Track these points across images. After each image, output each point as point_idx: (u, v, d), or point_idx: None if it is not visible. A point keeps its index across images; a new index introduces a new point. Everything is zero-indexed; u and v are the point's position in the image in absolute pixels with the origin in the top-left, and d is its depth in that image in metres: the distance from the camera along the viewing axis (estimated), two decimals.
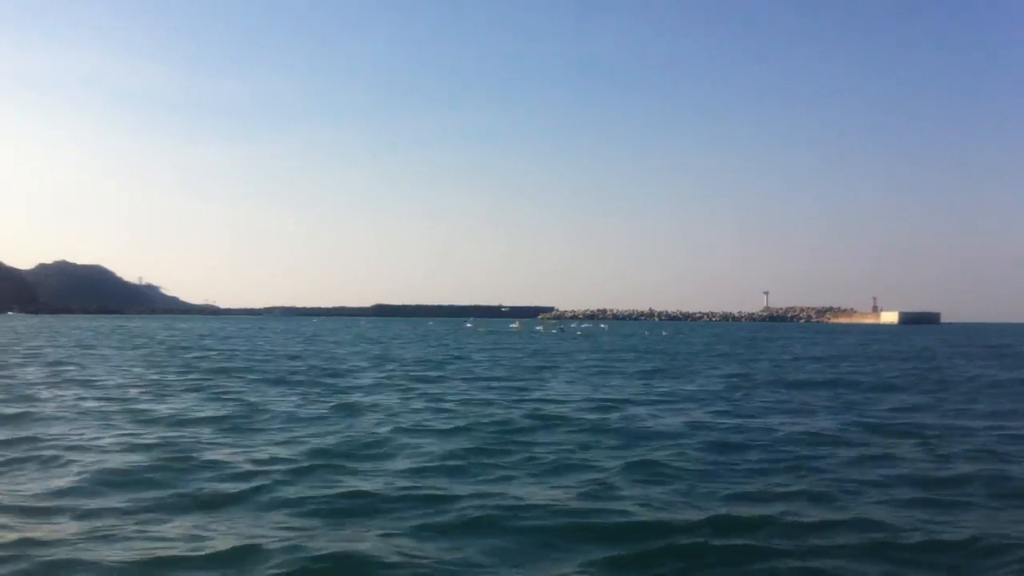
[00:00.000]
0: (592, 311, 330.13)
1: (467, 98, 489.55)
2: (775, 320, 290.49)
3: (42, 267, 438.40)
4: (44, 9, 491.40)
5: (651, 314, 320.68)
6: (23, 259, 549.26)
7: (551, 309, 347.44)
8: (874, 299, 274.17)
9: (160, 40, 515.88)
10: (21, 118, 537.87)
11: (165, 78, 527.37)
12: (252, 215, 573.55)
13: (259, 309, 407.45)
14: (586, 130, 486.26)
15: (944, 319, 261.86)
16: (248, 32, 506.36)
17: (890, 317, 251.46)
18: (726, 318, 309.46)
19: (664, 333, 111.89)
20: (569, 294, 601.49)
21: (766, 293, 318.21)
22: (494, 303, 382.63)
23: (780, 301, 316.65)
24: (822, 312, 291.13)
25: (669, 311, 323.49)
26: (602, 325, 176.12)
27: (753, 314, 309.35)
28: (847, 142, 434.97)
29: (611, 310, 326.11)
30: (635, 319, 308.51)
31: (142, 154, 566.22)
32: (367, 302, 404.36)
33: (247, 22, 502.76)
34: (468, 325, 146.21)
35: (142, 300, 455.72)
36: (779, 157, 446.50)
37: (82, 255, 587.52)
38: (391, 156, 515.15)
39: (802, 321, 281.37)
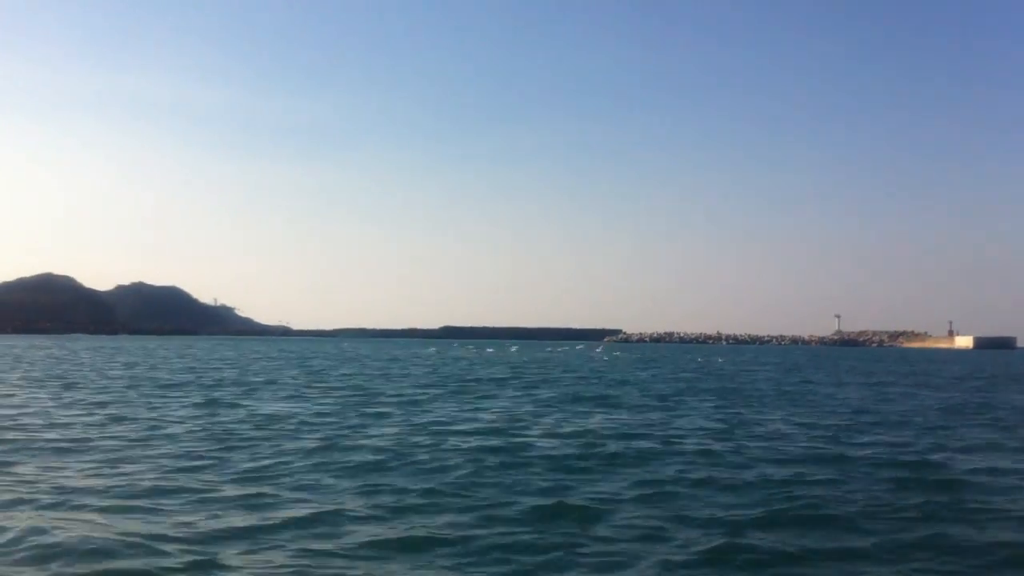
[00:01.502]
0: (659, 333, 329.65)
1: (541, 116, 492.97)
2: (846, 344, 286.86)
3: (120, 288, 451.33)
4: (118, 33, 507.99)
5: (719, 337, 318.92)
6: (102, 281, 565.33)
7: (618, 332, 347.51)
8: (950, 323, 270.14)
9: (232, 63, 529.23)
10: (99, 142, 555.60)
11: (239, 100, 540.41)
12: (324, 237, 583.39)
13: (329, 331, 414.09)
14: (653, 151, 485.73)
15: (1021, 343, 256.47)
16: (321, 53, 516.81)
17: (964, 342, 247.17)
18: (795, 342, 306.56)
19: (721, 360, 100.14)
20: (636, 316, 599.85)
21: (838, 316, 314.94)
22: (562, 325, 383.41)
23: (852, 325, 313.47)
24: (895, 336, 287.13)
25: (737, 334, 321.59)
26: (615, 353, 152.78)
27: (824, 338, 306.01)
28: (923, 163, 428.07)
29: (678, 333, 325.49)
30: (702, 342, 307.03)
31: (217, 176, 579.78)
32: (436, 324, 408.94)
33: (322, 43, 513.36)
34: (488, 350, 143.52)
35: (216, 321, 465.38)
36: (852, 179, 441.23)
37: (159, 277, 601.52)
38: (461, 176, 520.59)
39: (874, 346, 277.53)
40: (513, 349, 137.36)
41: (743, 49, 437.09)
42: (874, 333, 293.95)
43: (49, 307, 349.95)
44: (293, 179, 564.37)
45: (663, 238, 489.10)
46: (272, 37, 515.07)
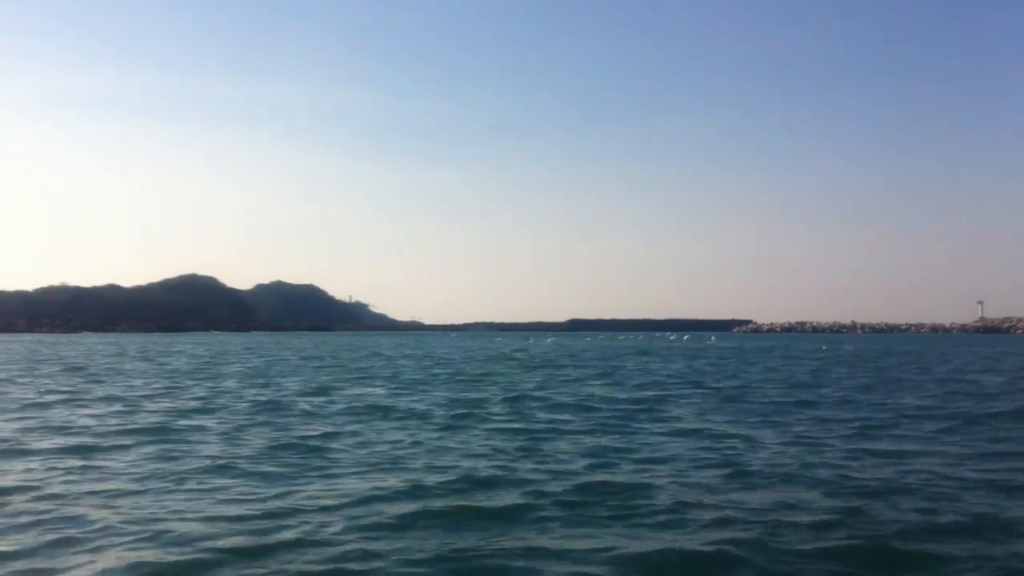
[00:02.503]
0: (791, 323, 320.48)
1: (669, 110, 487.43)
2: (990, 332, 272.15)
3: (260, 287, 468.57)
4: (256, 40, 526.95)
5: (853, 326, 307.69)
6: (244, 280, 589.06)
7: (748, 322, 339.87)
8: None
9: (361, 67, 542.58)
10: (238, 147, 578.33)
11: (375, 102, 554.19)
12: (454, 233, 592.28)
13: (459, 325, 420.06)
14: (782, 138, 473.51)
15: None
16: (455, 53, 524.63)
17: None
18: (935, 330, 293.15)
19: (824, 348, 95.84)
20: (767, 306, 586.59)
21: (980, 303, 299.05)
22: (690, 317, 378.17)
23: (997, 311, 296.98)
24: None
25: (873, 323, 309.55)
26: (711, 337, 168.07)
27: (965, 325, 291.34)
28: None
29: (811, 322, 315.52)
30: (836, 331, 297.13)
31: (353, 176, 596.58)
32: (563, 317, 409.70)
33: (455, 44, 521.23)
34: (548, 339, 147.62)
35: (352, 317, 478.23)
36: (992, 157, 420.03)
37: (297, 275, 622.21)
38: (588, 171, 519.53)
39: (1019, 332, 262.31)
40: (549, 340, 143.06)
41: (866, 31, 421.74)
42: (1020, 319, 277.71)
43: (193, 306, 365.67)
44: (425, 178, 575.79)
45: (795, 225, 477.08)
46: (406, 40, 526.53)
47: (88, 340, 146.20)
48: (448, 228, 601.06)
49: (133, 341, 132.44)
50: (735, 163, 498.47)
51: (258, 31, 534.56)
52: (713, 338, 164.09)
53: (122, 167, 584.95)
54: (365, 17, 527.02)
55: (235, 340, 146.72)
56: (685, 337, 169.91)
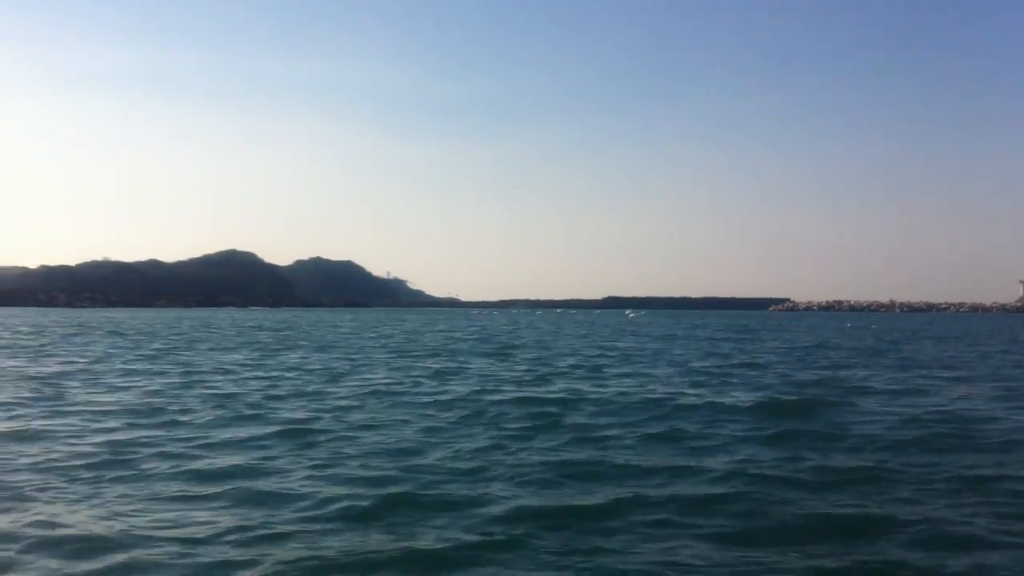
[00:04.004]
0: (829, 302, 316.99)
1: (706, 90, 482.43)
2: None
3: (299, 263, 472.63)
4: (302, 19, 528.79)
5: (892, 305, 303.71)
6: (282, 256, 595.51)
7: (785, 300, 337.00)
8: None
9: (401, 45, 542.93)
10: (281, 124, 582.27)
11: (416, 81, 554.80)
12: (491, 211, 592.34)
13: (495, 302, 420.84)
14: (820, 115, 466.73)
15: None
16: (489, 35, 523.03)
17: None
18: (975, 309, 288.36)
19: (874, 327, 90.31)
20: (806, 284, 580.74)
21: (1022, 282, 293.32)
22: (725, 295, 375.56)
23: None
24: None
25: (912, 301, 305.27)
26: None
27: (1006, 305, 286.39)
28: None
29: (848, 301, 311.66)
30: (873, 310, 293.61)
31: (392, 154, 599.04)
32: (600, 294, 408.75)
33: (488, 26, 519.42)
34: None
35: (389, 294, 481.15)
36: None
37: (336, 252, 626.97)
38: (626, 150, 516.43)
39: None
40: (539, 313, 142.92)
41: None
42: None
43: (232, 281, 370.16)
44: (463, 156, 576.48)
45: (835, 204, 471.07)
46: (446, 19, 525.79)
47: (183, 314, 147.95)
48: (485, 206, 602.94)
49: (211, 318, 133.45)
50: (779, 144, 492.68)
51: (300, 9, 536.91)
52: (630, 313, 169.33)
53: (164, 144, 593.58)
54: None
55: (308, 316, 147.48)
56: (642, 313, 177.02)
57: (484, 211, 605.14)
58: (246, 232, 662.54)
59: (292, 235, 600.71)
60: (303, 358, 33.75)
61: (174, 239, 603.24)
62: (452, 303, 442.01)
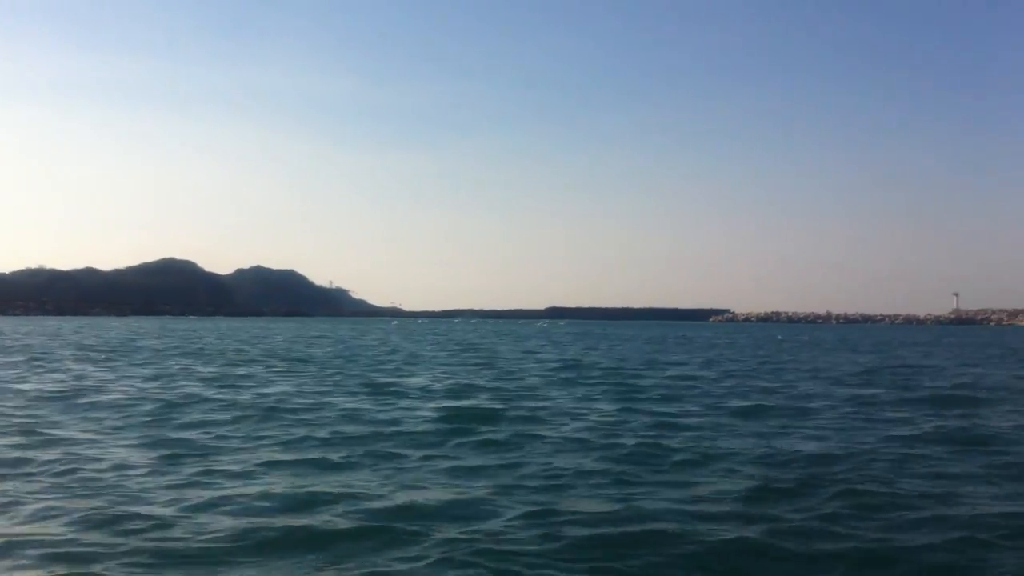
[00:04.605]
0: (767, 313, 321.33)
1: (647, 98, 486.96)
2: (963, 323, 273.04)
3: (240, 272, 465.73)
4: (239, 27, 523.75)
5: (828, 316, 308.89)
6: (223, 264, 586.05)
7: (725, 311, 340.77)
8: None
9: (342, 53, 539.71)
10: (220, 132, 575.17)
11: (356, 90, 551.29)
12: (434, 220, 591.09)
13: (439, 312, 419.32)
14: (759, 127, 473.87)
15: None
16: (431, 43, 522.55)
17: None
18: (909, 321, 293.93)
19: (780, 337, 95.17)
20: (747, 295, 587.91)
21: (956, 295, 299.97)
22: (668, 306, 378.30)
23: (973, 303, 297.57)
24: (1015, 315, 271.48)
25: (848, 313, 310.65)
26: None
27: (939, 317, 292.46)
28: None
29: (786, 312, 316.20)
30: (810, 321, 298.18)
31: (335, 162, 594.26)
32: (543, 304, 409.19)
33: (430, 34, 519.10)
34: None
35: (331, 303, 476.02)
36: (969, 150, 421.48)
37: (278, 261, 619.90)
38: (569, 159, 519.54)
39: (992, 324, 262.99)
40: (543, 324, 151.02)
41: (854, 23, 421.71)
42: (993, 312, 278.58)
43: (171, 290, 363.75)
44: (406, 164, 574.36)
45: (776, 217, 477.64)
46: (388, 27, 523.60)
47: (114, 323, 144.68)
48: (428, 215, 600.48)
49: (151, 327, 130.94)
50: (718, 154, 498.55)
51: (239, 17, 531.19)
52: (544, 323, 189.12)
53: (103, 151, 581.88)
54: (347, 2, 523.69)
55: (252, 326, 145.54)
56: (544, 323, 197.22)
57: (427, 220, 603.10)
58: (186, 240, 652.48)
59: (233, 243, 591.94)
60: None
61: (111, 247, 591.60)
62: (395, 313, 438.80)
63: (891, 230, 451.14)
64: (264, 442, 14.66)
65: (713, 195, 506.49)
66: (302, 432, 15.65)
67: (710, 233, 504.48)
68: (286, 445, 14.37)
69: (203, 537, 8.57)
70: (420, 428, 16.46)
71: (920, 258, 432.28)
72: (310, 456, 13.24)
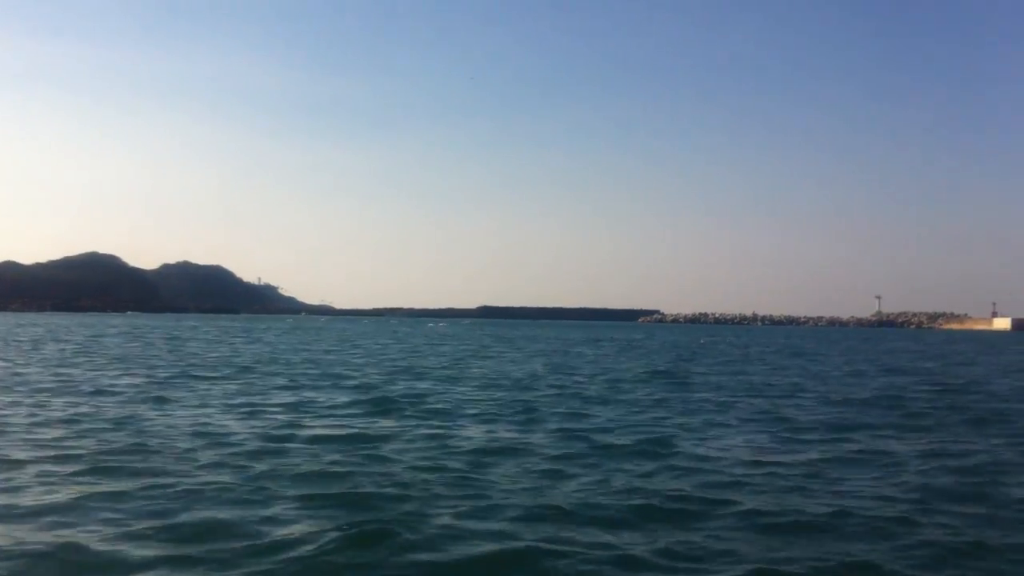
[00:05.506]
0: (695, 314, 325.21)
1: (580, 98, 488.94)
2: (884, 326, 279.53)
3: (165, 267, 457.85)
4: (173, 15, 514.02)
5: (754, 318, 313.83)
6: (148, 259, 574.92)
7: (655, 312, 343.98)
8: (993, 304, 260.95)
9: (268, 44, 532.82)
10: (148, 123, 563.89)
11: (276, 81, 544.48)
12: (366, 217, 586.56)
13: (369, 310, 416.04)
14: (691, 130, 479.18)
15: None
16: (360, 34, 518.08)
17: (1003, 324, 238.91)
18: (833, 323, 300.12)
19: (702, 341, 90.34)
20: (676, 296, 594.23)
21: (878, 298, 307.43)
22: (599, 306, 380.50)
23: (895, 306, 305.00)
24: (934, 318, 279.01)
25: (774, 315, 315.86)
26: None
27: (862, 319, 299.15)
28: (970, 141, 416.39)
29: (713, 313, 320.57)
30: (737, 323, 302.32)
31: (264, 157, 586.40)
32: (474, 304, 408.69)
33: (358, 25, 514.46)
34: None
35: (260, 300, 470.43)
36: (895, 157, 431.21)
37: (204, 256, 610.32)
38: (501, 157, 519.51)
39: (912, 327, 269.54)
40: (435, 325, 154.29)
41: (797, 30, 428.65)
42: (913, 315, 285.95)
43: (93, 285, 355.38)
44: (335, 158, 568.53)
45: (703, 219, 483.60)
46: (315, 17, 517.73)
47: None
48: (359, 211, 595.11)
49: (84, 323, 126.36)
50: (649, 157, 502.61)
51: (168, 4, 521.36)
52: (441, 324, 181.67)
53: (24, 140, 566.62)
54: None
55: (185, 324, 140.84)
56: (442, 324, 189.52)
57: (358, 216, 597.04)
58: (109, 234, 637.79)
59: (158, 238, 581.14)
60: None
61: (32, 240, 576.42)
62: (325, 311, 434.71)
63: (816, 235, 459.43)
64: None
65: (646, 198, 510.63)
66: None
67: (644, 235, 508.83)
68: None
69: None
70: None
71: (844, 262, 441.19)
72: None
